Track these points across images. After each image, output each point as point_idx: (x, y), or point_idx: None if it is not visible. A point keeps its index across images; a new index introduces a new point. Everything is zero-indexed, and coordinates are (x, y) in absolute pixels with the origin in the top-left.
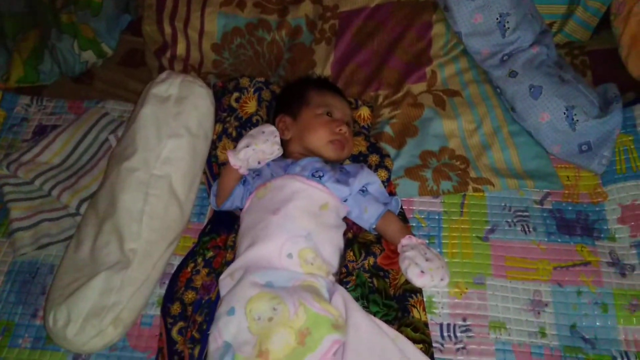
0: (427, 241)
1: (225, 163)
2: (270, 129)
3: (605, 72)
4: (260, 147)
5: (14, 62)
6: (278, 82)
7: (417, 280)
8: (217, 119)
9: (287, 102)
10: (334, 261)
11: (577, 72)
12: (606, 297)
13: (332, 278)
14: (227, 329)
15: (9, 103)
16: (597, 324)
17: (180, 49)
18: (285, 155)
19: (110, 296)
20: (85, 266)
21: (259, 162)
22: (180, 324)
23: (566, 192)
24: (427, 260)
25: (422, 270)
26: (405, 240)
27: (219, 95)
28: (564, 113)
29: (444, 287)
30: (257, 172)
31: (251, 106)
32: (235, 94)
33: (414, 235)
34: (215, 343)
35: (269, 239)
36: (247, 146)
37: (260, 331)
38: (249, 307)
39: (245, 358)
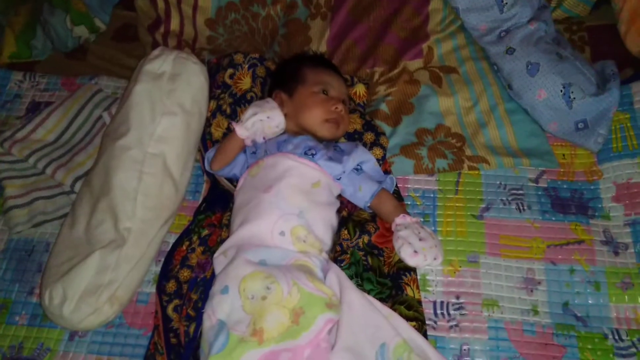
0: (421, 219)
1: (219, 141)
2: (273, 102)
3: (603, 48)
4: (267, 113)
5: (6, 37)
6: (273, 58)
7: (410, 260)
8: (211, 96)
9: (282, 79)
10: (327, 238)
11: (576, 48)
12: (599, 275)
13: (325, 256)
14: (221, 308)
15: (1, 79)
16: (590, 302)
17: (174, 24)
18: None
19: (106, 274)
20: (81, 245)
21: (263, 138)
22: (176, 301)
23: (562, 170)
24: (420, 239)
25: (415, 249)
26: (399, 219)
27: (213, 72)
28: (561, 90)
29: (438, 266)
30: (253, 150)
31: (245, 83)
32: (230, 71)
33: (409, 213)
34: (209, 321)
35: (261, 217)
36: (255, 114)
37: (254, 310)
38: (243, 285)
39: (240, 337)
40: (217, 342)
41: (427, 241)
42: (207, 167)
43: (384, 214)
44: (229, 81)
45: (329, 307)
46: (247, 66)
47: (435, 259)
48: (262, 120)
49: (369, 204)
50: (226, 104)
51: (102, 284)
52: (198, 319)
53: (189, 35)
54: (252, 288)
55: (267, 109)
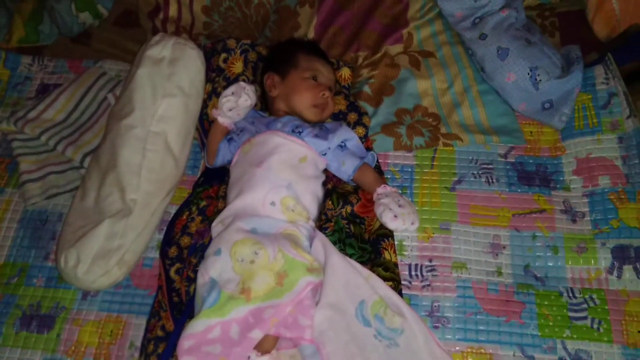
0: (400, 191)
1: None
2: (241, 83)
3: (573, 33)
4: (243, 97)
5: (15, 22)
6: (264, 43)
7: (391, 224)
8: (207, 79)
9: (276, 61)
10: (313, 208)
11: (547, 33)
12: (557, 240)
13: (312, 224)
14: (214, 267)
15: (12, 63)
16: (549, 264)
17: (172, 10)
18: (270, 112)
19: (115, 240)
20: (91, 214)
21: (238, 114)
22: (177, 265)
23: (529, 146)
24: (399, 206)
25: (395, 214)
26: (380, 189)
27: (209, 56)
28: (528, 73)
29: (414, 232)
30: (240, 129)
31: (238, 67)
32: (223, 55)
33: (388, 185)
34: (202, 279)
35: (254, 189)
36: (229, 101)
37: (243, 272)
38: (234, 249)
39: (230, 294)
40: (209, 297)
41: (405, 208)
42: (208, 165)
43: (366, 185)
44: (222, 65)
45: (310, 271)
46: (239, 51)
47: (412, 223)
48: (235, 94)
49: (351, 177)
50: (220, 86)
51: (111, 248)
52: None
53: (187, 21)
54: (241, 252)
55: (240, 91)
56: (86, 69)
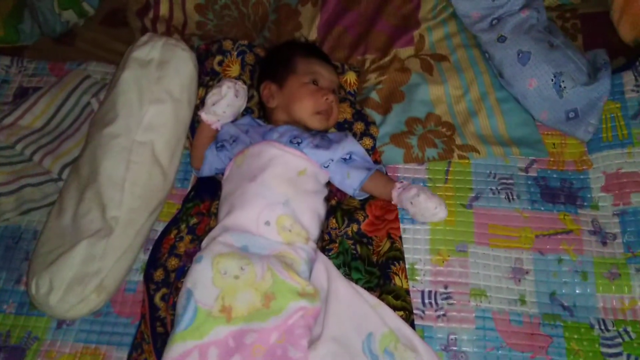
0: None
1: None
2: (228, 82)
3: (596, 36)
4: (233, 94)
5: None
6: (263, 45)
7: (431, 201)
8: (200, 83)
9: (272, 68)
10: (313, 227)
11: (568, 36)
12: (586, 265)
13: (312, 245)
14: (191, 275)
15: None
16: (577, 291)
17: (163, 9)
18: (269, 122)
19: (93, 264)
20: (68, 234)
21: (224, 113)
22: (163, 290)
23: (551, 159)
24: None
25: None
26: (399, 184)
27: (202, 58)
28: (552, 79)
29: (426, 255)
30: (234, 138)
31: (234, 70)
32: (218, 57)
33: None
34: (181, 292)
35: (246, 207)
36: (220, 98)
37: (225, 286)
38: (217, 259)
39: (207, 311)
40: (185, 315)
41: (434, 196)
42: (194, 172)
43: (379, 190)
44: (217, 68)
45: (302, 295)
46: (235, 53)
47: (445, 208)
48: (229, 105)
49: (358, 190)
50: None
51: (88, 273)
52: None
53: (179, 21)
54: (225, 264)
55: (229, 86)
56: (69, 72)
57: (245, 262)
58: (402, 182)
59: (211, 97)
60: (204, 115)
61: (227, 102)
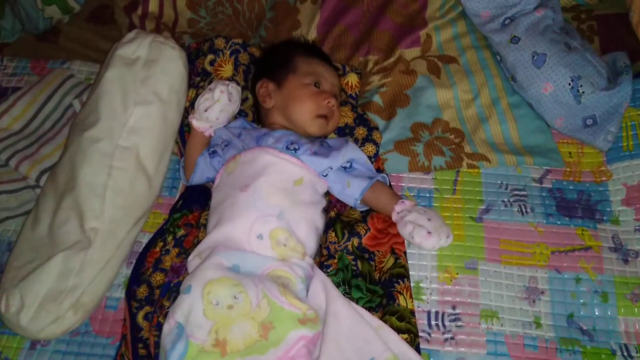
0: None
1: None
2: (220, 85)
3: (614, 39)
4: (225, 97)
5: None
6: (258, 44)
7: (426, 242)
8: (191, 84)
9: (271, 66)
10: (311, 241)
11: (584, 38)
12: (607, 285)
13: (309, 260)
14: (180, 309)
15: None
16: (597, 313)
17: (153, 5)
18: (263, 126)
19: (69, 279)
20: (43, 246)
21: (217, 119)
22: (147, 308)
23: (568, 170)
24: (428, 219)
25: (428, 231)
26: (399, 206)
27: (193, 58)
28: (569, 84)
29: (433, 273)
30: (226, 143)
31: (227, 70)
32: (210, 57)
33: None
34: (167, 325)
35: (236, 218)
36: (213, 102)
37: (218, 318)
38: (208, 289)
39: (200, 346)
40: (174, 351)
41: (435, 220)
42: (183, 181)
43: (380, 205)
44: (209, 68)
45: (303, 322)
46: (228, 52)
47: (447, 237)
48: (223, 110)
49: (359, 201)
50: None
51: (64, 289)
52: None
53: (169, 18)
54: (217, 294)
55: (221, 89)
56: (51, 71)
57: (238, 290)
58: (403, 201)
59: (203, 103)
60: (195, 121)
61: (220, 107)
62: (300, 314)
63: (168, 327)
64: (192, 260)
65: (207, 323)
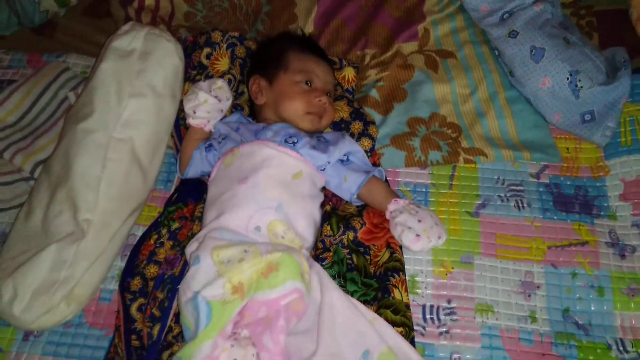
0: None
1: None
2: (213, 82)
3: (613, 35)
4: (214, 94)
5: None
6: (255, 38)
7: (414, 246)
8: (187, 77)
9: (263, 63)
10: (308, 234)
11: (583, 34)
12: (603, 280)
13: (305, 253)
14: (195, 279)
15: None
16: (592, 308)
17: None
18: (258, 121)
19: (62, 270)
20: (36, 237)
21: (208, 113)
22: (140, 300)
23: (565, 165)
24: (419, 221)
25: (417, 233)
26: (392, 206)
27: (189, 51)
28: (567, 78)
29: (428, 267)
30: (223, 136)
31: (223, 64)
32: (206, 50)
33: (399, 196)
34: (184, 296)
35: (235, 210)
36: (201, 101)
37: (230, 272)
38: (216, 252)
39: (220, 300)
40: (201, 315)
41: (426, 221)
42: (179, 174)
43: (376, 202)
44: (205, 61)
45: (302, 277)
46: (225, 45)
47: (439, 237)
48: (213, 106)
49: (355, 195)
50: None
51: (57, 280)
52: (163, 319)
53: (165, 11)
54: (226, 254)
55: (209, 97)
56: (47, 64)
57: (247, 246)
58: (397, 200)
59: (188, 105)
60: (191, 120)
61: (208, 107)
62: (303, 269)
63: (185, 298)
64: (191, 245)
65: (221, 279)
